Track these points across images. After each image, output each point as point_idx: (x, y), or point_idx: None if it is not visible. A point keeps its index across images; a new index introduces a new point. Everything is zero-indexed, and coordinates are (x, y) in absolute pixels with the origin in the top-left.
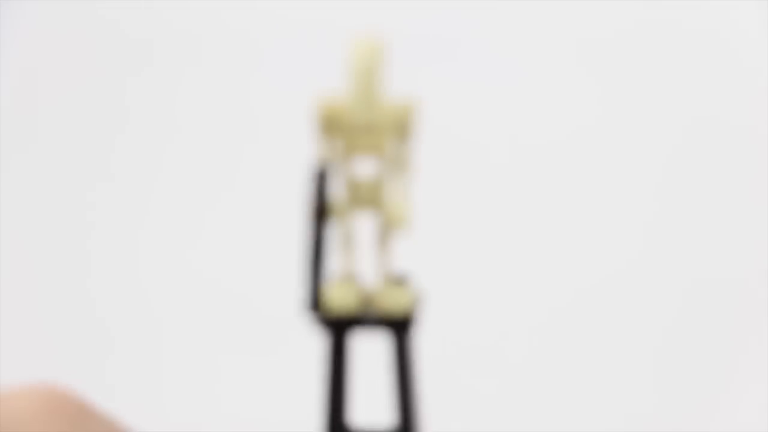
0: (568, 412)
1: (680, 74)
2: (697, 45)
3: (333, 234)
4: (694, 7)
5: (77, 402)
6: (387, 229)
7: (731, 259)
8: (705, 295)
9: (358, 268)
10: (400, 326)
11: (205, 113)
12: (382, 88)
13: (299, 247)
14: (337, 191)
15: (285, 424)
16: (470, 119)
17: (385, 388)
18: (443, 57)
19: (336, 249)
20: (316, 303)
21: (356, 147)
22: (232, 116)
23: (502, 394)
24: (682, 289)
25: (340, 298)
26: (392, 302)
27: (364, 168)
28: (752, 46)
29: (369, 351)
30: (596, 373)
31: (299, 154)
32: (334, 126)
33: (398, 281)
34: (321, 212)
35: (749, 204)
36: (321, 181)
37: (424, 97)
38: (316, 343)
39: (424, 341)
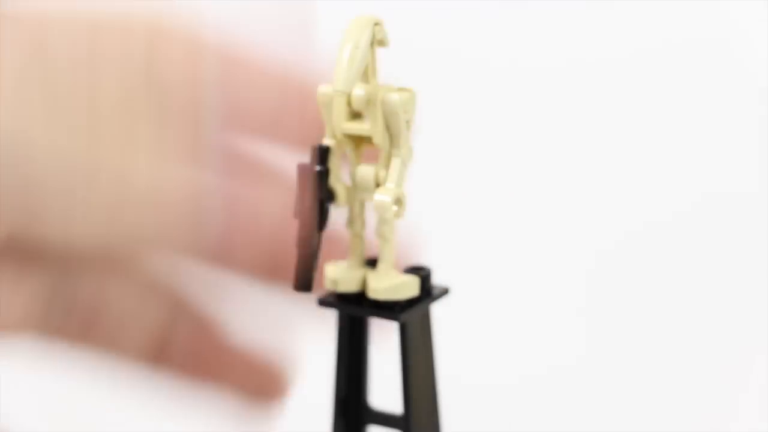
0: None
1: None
2: None
3: (342, 218)
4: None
5: None
6: (377, 216)
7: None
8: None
9: (367, 253)
10: (385, 309)
11: None
12: (366, 67)
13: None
14: (343, 178)
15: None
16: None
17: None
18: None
19: (347, 233)
20: (309, 285)
21: (350, 130)
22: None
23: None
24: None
25: (337, 277)
26: (373, 285)
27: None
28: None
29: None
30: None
31: None
32: (332, 109)
33: (382, 267)
34: (321, 193)
35: None
36: (322, 159)
37: (419, 88)
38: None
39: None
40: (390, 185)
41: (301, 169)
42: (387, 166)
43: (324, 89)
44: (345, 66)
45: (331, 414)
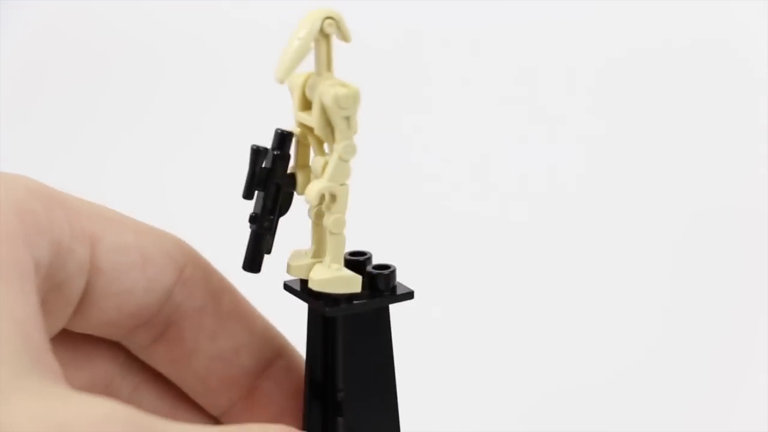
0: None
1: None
2: None
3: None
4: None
5: None
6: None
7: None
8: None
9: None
10: (319, 300)
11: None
12: (320, 59)
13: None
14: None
15: None
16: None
17: None
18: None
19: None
20: (256, 266)
21: (301, 119)
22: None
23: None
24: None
25: (290, 262)
26: (312, 276)
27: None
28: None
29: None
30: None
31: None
32: (293, 96)
33: (327, 260)
34: (277, 178)
35: None
36: (280, 143)
37: (363, 88)
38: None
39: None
40: (322, 178)
41: (252, 151)
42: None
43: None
44: (282, 55)
45: (305, 398)
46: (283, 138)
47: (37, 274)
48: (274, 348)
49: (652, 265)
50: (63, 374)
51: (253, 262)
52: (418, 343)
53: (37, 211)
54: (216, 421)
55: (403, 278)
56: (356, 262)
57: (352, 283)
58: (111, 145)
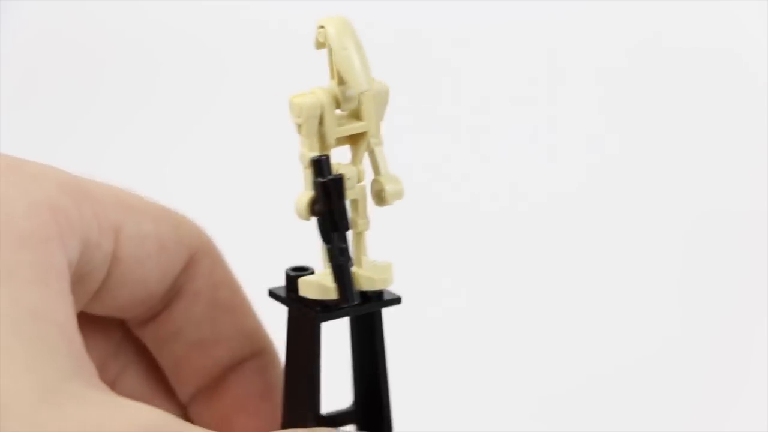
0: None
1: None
2: None
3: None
4: None
5: None
6: None
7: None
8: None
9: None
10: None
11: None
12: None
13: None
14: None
15: None
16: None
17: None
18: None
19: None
20: (352, 296)
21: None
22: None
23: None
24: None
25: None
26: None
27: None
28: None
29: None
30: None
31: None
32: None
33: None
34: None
35: None
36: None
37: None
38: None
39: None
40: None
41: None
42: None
43: (312, 100)
44: (362, 66)
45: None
46: (327, 163)
47: (69, 272)
48: (254, 347)
49: (654, 267)
50: (98, 374)
51: (350, 293)
52: (418, 343)
53: (68, 208)
54: (183, 409)
55: (401, 278)
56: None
57: (314, 288)
58: (111, 144)
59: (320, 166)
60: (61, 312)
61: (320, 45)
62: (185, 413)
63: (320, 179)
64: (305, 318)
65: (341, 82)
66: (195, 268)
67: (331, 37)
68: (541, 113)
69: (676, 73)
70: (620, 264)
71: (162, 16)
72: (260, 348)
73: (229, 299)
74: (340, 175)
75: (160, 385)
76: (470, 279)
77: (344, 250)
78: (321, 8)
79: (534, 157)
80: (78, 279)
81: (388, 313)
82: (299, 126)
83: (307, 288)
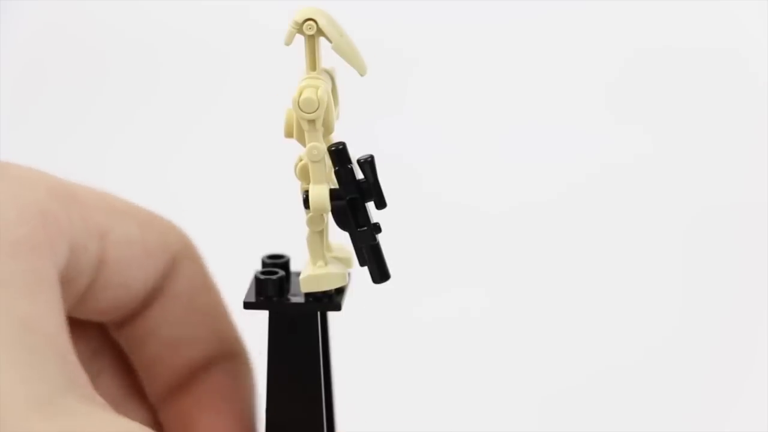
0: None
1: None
2: None
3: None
4: None
5: None
6: None
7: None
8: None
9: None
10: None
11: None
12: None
13: None
14: None
15: None
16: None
17: None
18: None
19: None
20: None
21: None
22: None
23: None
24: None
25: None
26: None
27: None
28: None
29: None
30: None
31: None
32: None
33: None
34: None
35: None
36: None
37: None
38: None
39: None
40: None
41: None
42: None
43: (324, 90)
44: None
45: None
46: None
47: (58, 279)
48: (225, 350)
49: (655, 266)
50: (91, 385)
51: (387, 270)
52: (418, 343)
53: (57, 213)
54: (154, 414)
55: (402, 278)
56: (273, 265)
57: (339, 278)
58: (110, 144)
59: (345, 153)
60: (53, 321)
61: (290, 41)
62: (155, 418)
63: (349, 165)
64: (311, 314)
65: (314, 69)
66: (176, 270)
67: (325, 27)
68: (542, 113)
69: (677, 72)
70: (621, 263)
71: (163, 16)
72: (232, 351)
73: (206, 302)
74: (370, 155)
75: (133, 390)
76: (470, 279)
77: (379, 228)
78: (321, 8)
79: (534, 156)
80: (65, 283)
81: (388, 313)
82: (312, 122)
83: (311, 283)
